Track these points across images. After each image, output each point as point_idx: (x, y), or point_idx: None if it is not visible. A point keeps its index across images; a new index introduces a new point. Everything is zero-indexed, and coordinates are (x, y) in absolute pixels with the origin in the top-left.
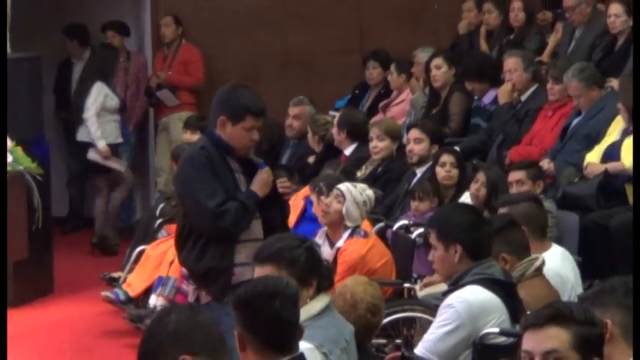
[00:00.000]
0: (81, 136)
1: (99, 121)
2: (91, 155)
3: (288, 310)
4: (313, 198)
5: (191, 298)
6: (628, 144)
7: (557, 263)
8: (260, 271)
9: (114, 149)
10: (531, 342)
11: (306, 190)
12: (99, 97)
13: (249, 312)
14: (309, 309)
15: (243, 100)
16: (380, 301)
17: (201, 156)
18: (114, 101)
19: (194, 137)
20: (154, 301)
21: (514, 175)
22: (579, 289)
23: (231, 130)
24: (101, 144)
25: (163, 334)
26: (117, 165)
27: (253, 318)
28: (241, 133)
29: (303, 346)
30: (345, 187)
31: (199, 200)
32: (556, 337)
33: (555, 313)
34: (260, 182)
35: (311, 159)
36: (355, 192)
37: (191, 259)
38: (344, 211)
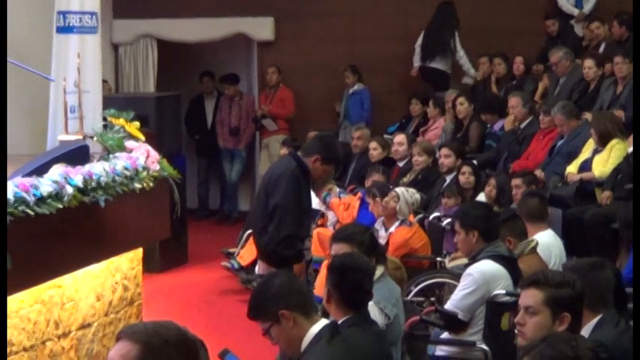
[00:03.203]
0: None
1: None
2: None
3: (367, 282)
4: (369, 200)
5: None
6: (597, 159)
7: (549, 239)
8: (336, 248)
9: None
10: (521, 299)
11: (359, 194)
12: None
13: (340, 277)
14: None
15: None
16: None
17: (298, 174)
18: None
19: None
20: (259, 269)
21: (514, 182)
22: (564, 259)
23: (318, 166)
24: None
25: (269, 292)
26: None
27: (342, 282)
28: (322, 171)
29: None
30: (400, 190)
31: (286, 219)
32: (532, 297)
33: (534, 278)
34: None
35: (377, 177)
36: (407, 195)
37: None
38: (397, 208)
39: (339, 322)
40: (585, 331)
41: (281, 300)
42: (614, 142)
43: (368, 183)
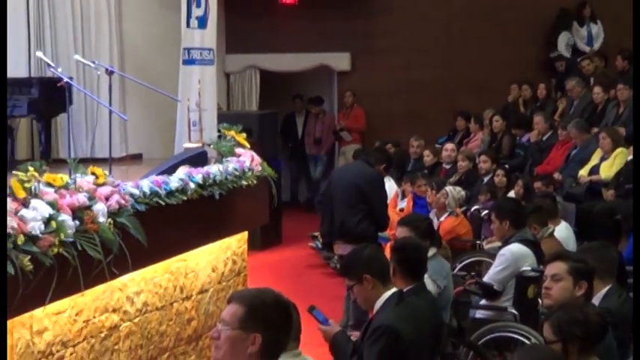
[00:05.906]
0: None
1: None
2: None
3: (424, 256)
4: (428, 189)
5: None
6: (604, 165)
7: (565, 234)
8: (399, 231)
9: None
10: (547, 270)
11: (410, 195)
12: None
13: (402, 254)
14: None
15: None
16: None
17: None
18: None
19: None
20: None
21: (536, 184)
22: (575, 247)
23: (383, 173)
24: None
25: (359, 258)
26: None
27: (405, 257)
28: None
29: None
30: (449, 189)
31: (382, 207)
32: (558, 267)
33: (558, 254)
34: None
35: (419, 182)
36: (454, 192)
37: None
38: (447, 202)
39: (404, 291)
40: (595, 300)
41: (367, 267)
42: (617, 151)
43: (415, 187)
